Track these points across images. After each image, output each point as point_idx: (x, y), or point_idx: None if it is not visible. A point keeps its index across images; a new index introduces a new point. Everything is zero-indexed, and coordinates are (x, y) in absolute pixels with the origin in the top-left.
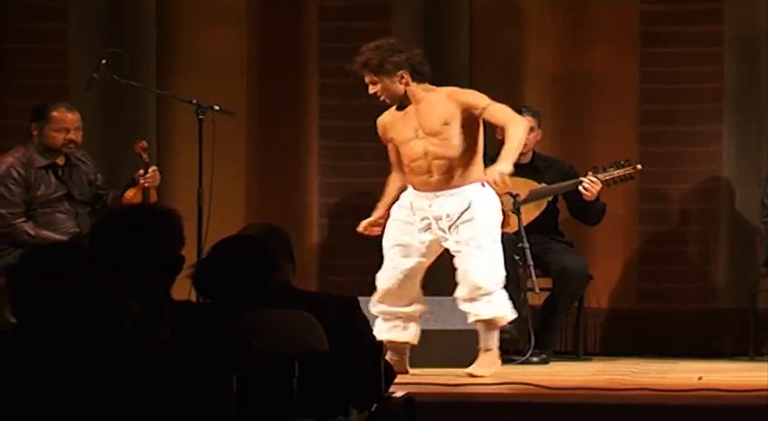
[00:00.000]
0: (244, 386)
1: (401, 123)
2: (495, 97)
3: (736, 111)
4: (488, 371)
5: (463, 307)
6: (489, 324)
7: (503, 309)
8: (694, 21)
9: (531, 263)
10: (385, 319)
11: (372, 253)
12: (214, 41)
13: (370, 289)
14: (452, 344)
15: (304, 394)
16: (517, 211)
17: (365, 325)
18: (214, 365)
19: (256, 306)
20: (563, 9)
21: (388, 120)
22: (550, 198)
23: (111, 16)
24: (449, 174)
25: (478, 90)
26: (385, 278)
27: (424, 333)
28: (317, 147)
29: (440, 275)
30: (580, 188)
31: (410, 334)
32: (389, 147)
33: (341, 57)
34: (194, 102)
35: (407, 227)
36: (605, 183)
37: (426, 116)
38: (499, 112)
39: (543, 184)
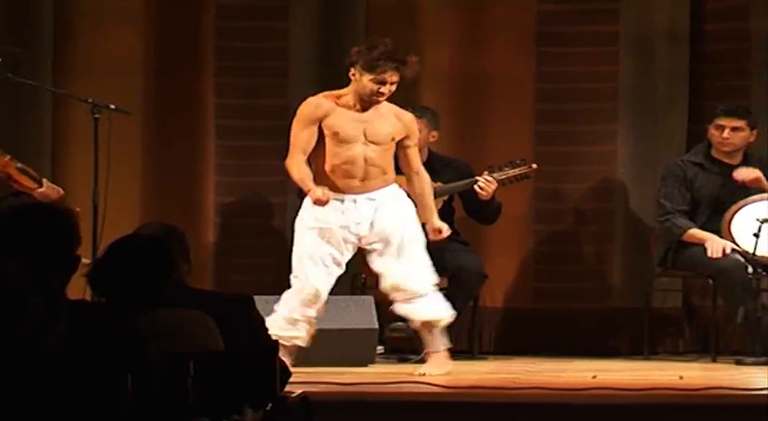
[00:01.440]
0: (139, 386)
1: (351, 122)
2: (393, 97)
3: (631, 110)
4: (441, 370)
5: (400, 309)
6: (429, 325)
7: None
8: (590, 21)
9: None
10: (296, 321)
11: (268, 252)
12: (111, 40)
13: (267, 288)
14: (348, 343)
15: (199, 394)
16: None
17: (261, 324)
18: (110, 364)
19: (152, 305)
20: (460, 9)
21: (330, 107)
22: (446, 197)
23: (7, 14)
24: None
25: None
26: (321, 283)
27: (320, 332)
28: (213, 147)
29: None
30: (476, 187)
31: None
32: (309, 131)
33: (238, 56)
34: (90, 101)
35: (339, 232)
36: (501, 183)
37: (378, 125)
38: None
39: (439, 184)
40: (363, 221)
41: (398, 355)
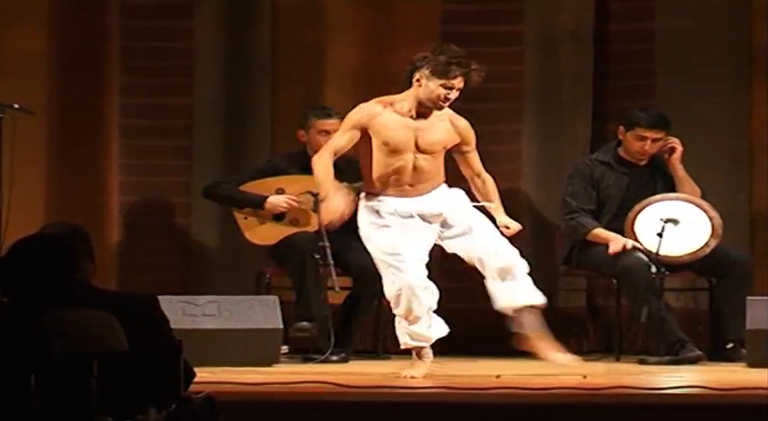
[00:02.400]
0: (43, 385)
1: (402, 129)
2: (297, 96)
3: (536, 110)
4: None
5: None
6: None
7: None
8: (495, 20)
9: (332, 261)
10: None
11: (172, 252)
12: (15, 39)
13: (171, 287)
14: (252, 343)
15: (103, 394)
16: (317, 210)
17: (165, 324)
18: (13, 364)
19: (56, 305)
20: (366, 8)
21: (380, 113)
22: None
23: None
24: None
25: (280, 89)
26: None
27: (224, 332)
28: (117, 146)
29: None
30: None
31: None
32: (351, 134)
33: (143, 55)
34: None
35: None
36: None
37: (430, 134)
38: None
39: (345, 184)
40: (420, 207)
41: (303, 355)
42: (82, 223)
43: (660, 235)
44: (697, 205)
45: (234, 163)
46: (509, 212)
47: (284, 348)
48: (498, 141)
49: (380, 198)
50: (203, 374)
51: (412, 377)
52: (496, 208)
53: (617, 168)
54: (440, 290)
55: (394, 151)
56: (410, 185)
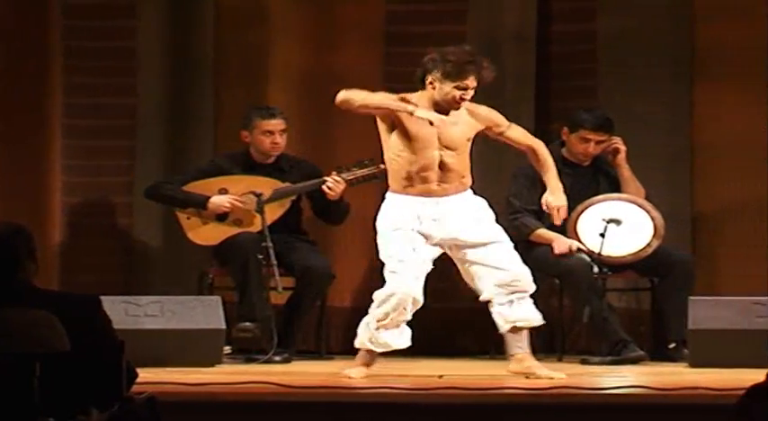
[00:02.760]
0: None
1: (425, 126)
2: (241, 96)
3: None
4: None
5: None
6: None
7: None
8: (438, 21)
9: (275, 262)
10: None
11: (114, 252)
12: None
13: (113, 288)
14: (195, 344)
15: (45, 394)
16: (261, 210)
17: (107, 324)
18: None
19: None
20: (309, 8)
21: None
22: (294, 197)
23: None
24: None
25: (223, 89)
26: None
27: (166, 332)
28: (60, 147)
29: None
30: (324, 187)
31: None
32: (387, 123)
33: (86, 55)
34: None
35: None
36: (349, 183)
37: (452, 130)
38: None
39: (287, 184)
40: (439, 220)
41: (246, 355)
42: (24, 223)
43: (602, 235)
44: (639, 205)
45: (177, 163)
46: None
47: (227, 348)
48: None
49: (406, 198)
50: (145, 375)
51: (350, 377)
52: (547, 178)
53: (560, 169)
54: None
55: (419, 147)
56: (437, 183)
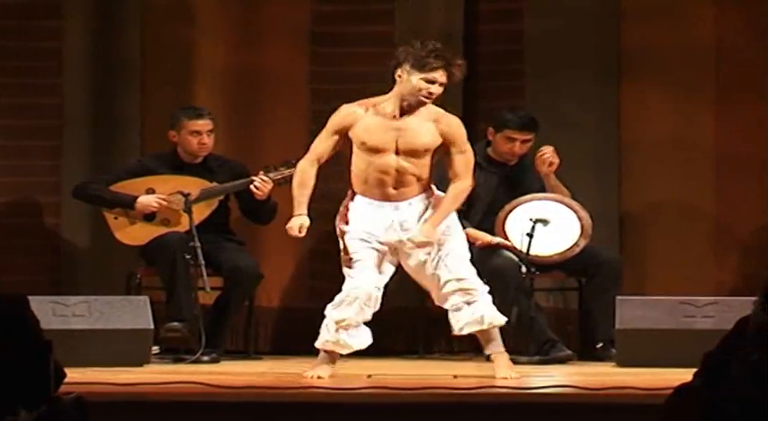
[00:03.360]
0: None
1: (383, 131)
2: (167, 96)
3: None
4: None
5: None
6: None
7: None
8: (365, 21)
9: (203, 262)
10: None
11: (42, 252)
12: None
13: (41, 287)
14: (123, 344)
15: None
16: (188, 210)
17: (35, 324)
18: None
19: None
20: (235, 7)
21: (361, 116)
22: (222, 197)
23: None
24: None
25: (150, 88)
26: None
27: (94, 332)
28: None
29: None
30: (251, 187)
31: None
32: (331, 140)
33: (11, 55)
34: None
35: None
36: (276, 183)
37: (413, 135)
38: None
39: (215, 184)
40: (398, 224)
41: (174, 355)
42: None
43: (530, 235)
44: (567, 205)
45: (104, 163)
46: None
47: (155, 348)
48: None
49: (363, 201)
50: (73, 375)
51: (319, 377)
52: (429, 217)
53: (486, 168)
54: (306, 289)
55: (373, 151)
56: (393, 188)
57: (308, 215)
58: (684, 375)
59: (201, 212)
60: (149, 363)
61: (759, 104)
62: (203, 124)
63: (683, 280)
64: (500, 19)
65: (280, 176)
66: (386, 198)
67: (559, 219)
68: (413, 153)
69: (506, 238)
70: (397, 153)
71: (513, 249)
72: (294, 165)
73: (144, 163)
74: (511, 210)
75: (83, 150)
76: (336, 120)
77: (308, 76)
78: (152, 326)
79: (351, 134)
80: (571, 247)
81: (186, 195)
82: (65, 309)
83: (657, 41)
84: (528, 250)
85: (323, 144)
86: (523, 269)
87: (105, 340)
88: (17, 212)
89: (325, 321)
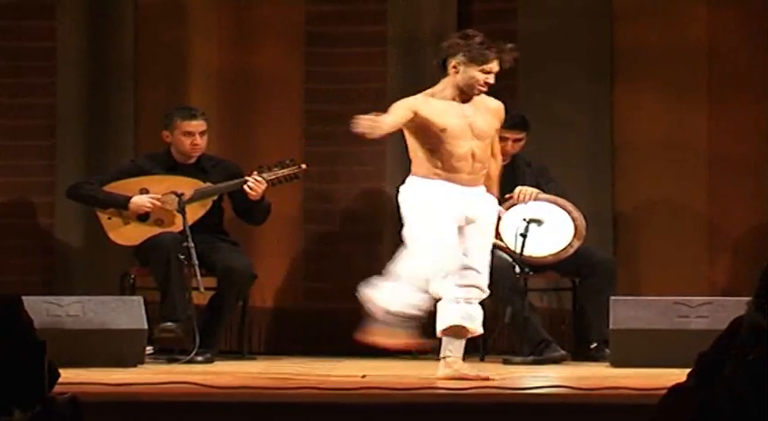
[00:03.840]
0: None
1: (456, 117)
2: (161, 96)
3: None
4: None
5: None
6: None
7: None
8: (358, 21)
9: (197, 262)
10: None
11: (36, 252)
12: None
13: (34, 288)
14: (116, 344)
15: None
16: (182, 210)
17: (29, 324)
18: None
19: None
20: (229, 7)
21: (430, 102)
22: (215, 197)
23: None
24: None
25: (144, 89)
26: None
27: (88, 332)
28: None
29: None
30: (245, 187)
31: None
32: (406, 114)
33: (5, 55)
34: None
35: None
36: (270, 183)
37: (480, 119)
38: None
39: (209, 184)
40: (467, 209)
41: (168, 356)
42: None
43: (524, 235)
44: (560, 206)
45: (97, 163)
46: (371, 213)
47: (149, 349)
48: (362, 142)
49: (439, 182)
50: (67, 375)
51: (488, 378)
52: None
53: None
54: (300, 290)
55: (453, 137)
56: (469, 174)
57: (304, 216)
58: (678, 375)
59: (195, 212)
60: (143, 364)
61: (752, 105)
62: (197, 125)
63: (676, 280)
64: (493, 19)
65: (273, 177)
66: (464, 184)
67: (553, 220)
68: (484, 137)
69: (500, 238)
70: (472, 138)
71: (506, 250)
72: (288, 166)
73: (138, 163)
74: (505, 211)
75: (77, 150)
76: (408, 100)
77: (302, 75)
78: (146, 327)
79: (430, 122)
80: (565, 248)
81: (180, 195)
82: (59, 310)
83: (650, 42)
84: (522, 250)
85: (394, 115)
86: (517, 269)
87: (99, 340)
88: (11, 212)
89: (441, 306)
